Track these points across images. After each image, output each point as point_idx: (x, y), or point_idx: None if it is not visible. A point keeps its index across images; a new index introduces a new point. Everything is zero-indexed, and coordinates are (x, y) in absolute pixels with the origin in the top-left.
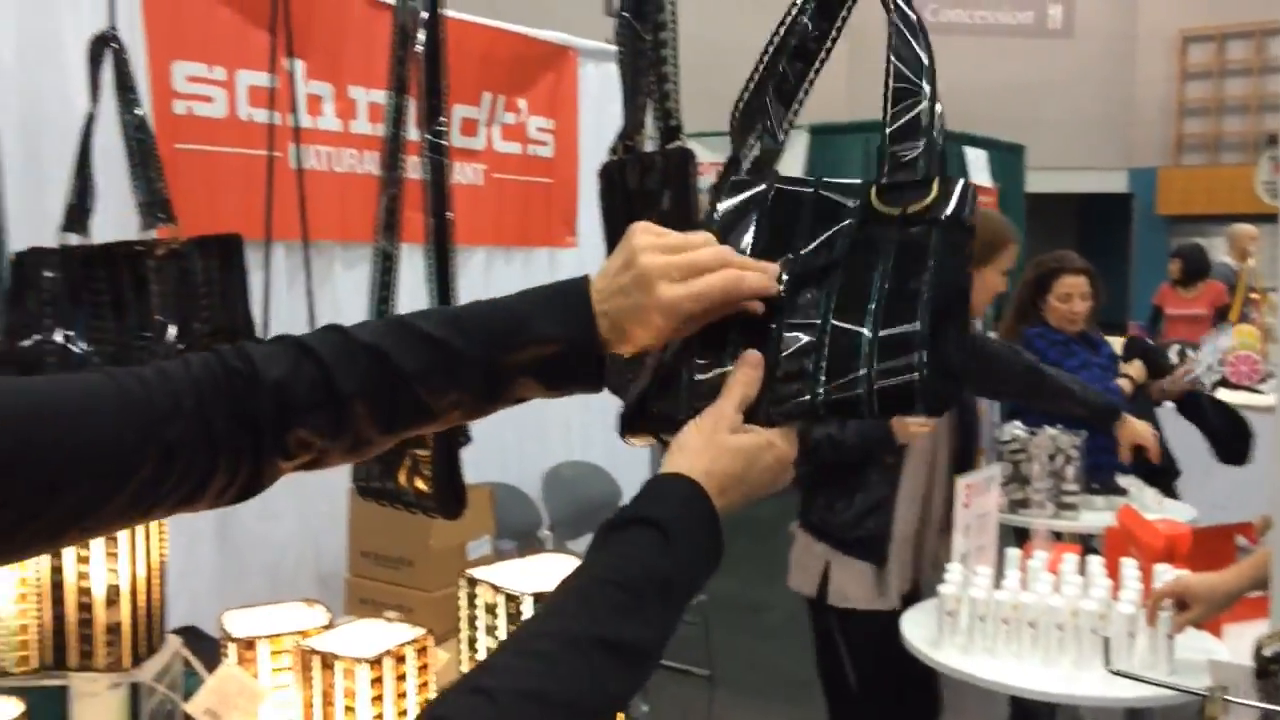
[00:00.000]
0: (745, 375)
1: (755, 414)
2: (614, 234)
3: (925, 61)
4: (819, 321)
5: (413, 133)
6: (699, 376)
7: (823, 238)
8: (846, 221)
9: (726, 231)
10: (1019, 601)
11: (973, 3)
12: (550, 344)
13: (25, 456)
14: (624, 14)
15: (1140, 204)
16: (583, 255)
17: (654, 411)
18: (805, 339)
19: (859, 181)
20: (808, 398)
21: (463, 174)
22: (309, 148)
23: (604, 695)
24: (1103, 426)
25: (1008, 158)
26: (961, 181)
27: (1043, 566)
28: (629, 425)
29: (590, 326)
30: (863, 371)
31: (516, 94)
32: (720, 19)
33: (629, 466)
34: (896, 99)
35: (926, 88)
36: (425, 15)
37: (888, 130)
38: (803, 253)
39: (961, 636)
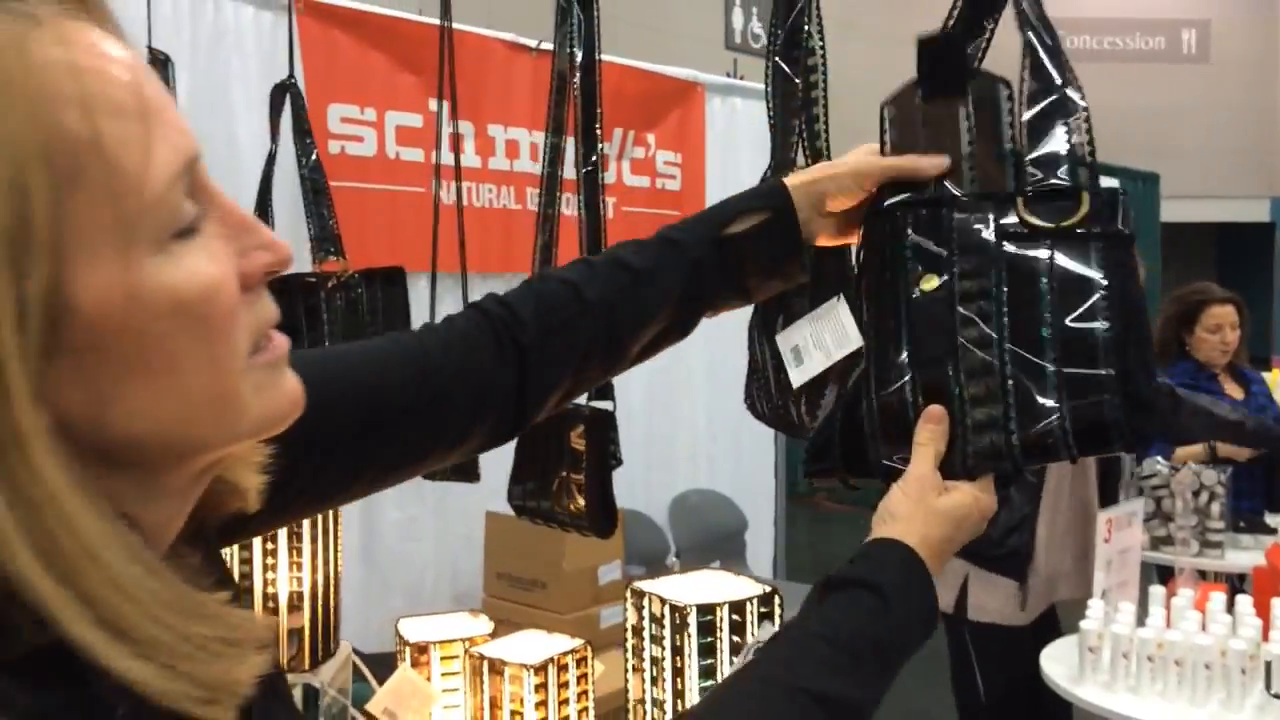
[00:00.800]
0: (930, 433)
1: (952, 466)
2: None
3: (1063, 76)
4: (995, 362)
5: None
6: (881, 393)
7: (974, 261)
8: (997, 242)
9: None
10: (1164, 639)
11: (1102, 28)
12: (755, 214)
13: (329, 415)
14: (775, 58)
15: None
16: None
17: (842, 453)
18: (988, 385)
19: (990, 194)
20: (1003, 446)
21: (579, 215)
22: (451, 184)
23: None
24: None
25: (1142, 186)
26: (1115, 189)
27: (1188, 604)
28: (816, 463)
29: (788, 199)
30: (1054, 418)
31: (645, 129)
32: (851, 54)
33: (754, 495)
34: (1032, 101)
35: (1073, 94)
36: (581, 60)
37: (1026, 138)
38: (957, 277)
39: (1104, 673)
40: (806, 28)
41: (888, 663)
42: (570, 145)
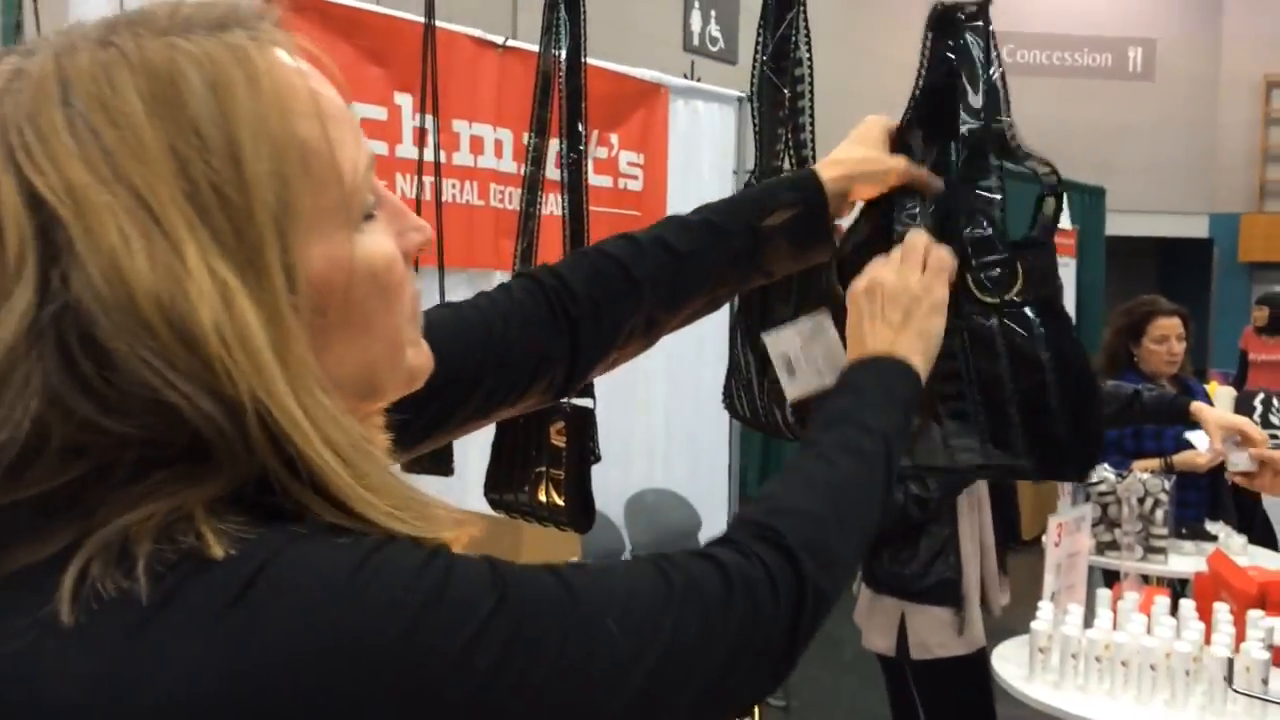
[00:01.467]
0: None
1: (934, 455)
2: None
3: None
4: (969, 408)
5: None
6: None
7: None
8: (958, 320)
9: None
10: (1112, 641)
11: (1052, 44)
12: (791, 208)
13: None
14: (763, 68)
15: (1222, 250)
16: None
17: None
18: (963, 421)
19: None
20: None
21: (557, 205)
22: (411, 178)
23: (869, 485)
24: (1176, 419)
25: (1088, 200)
26: (1042, 249)
27: (1134, 608)
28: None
29: (822, 192)
30: (1020, 458)
31: (609, 129)
32: (831, 65)
33: (709, 496)
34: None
35: (994, 159)
36: (566, 60)
37: (965, 215)
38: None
39: (1053, 673)
40: (794, 38)
41: (894, 407)
42: (547, 144)
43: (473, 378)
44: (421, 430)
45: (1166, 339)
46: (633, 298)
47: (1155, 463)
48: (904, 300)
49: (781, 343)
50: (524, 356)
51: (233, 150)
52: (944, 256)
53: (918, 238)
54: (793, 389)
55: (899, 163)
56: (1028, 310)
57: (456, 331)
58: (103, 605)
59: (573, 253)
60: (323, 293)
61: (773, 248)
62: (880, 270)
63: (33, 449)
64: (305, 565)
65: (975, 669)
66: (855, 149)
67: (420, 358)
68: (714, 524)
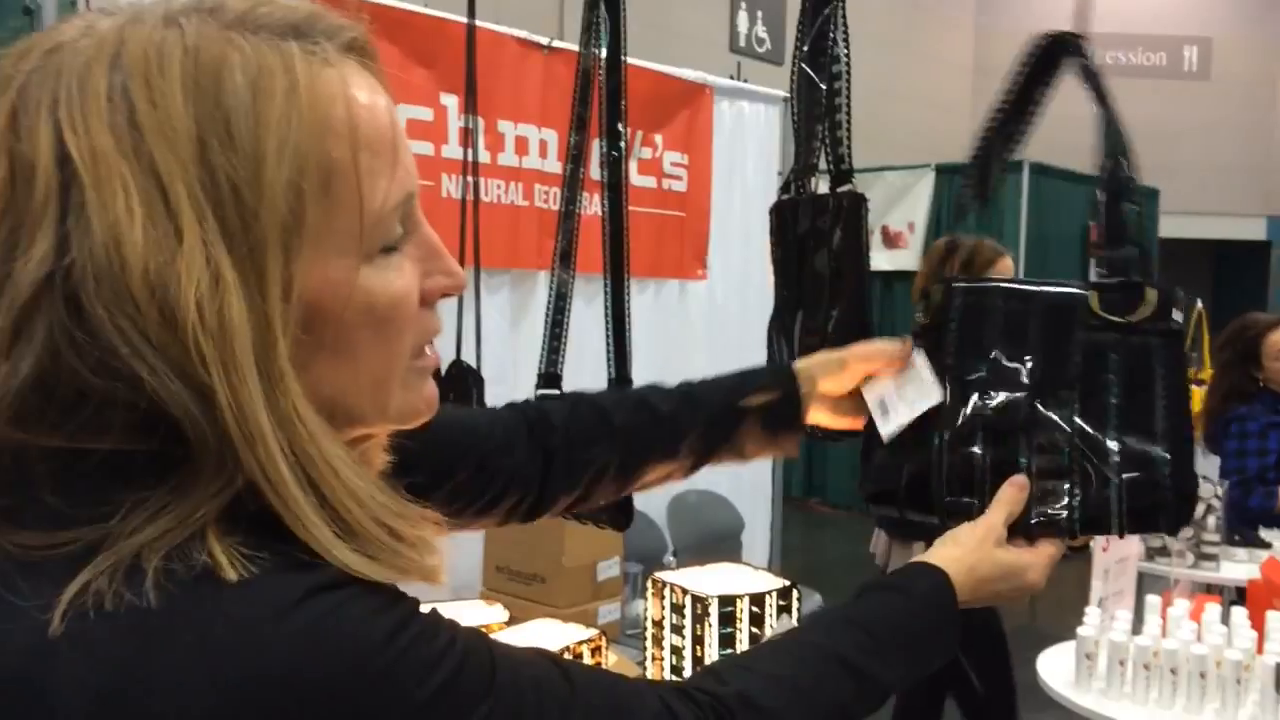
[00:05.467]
0: (1013, 495)
1: (1015, 526)
2: (783, 268)
3: (1128, 155)
4: (1065, 447)
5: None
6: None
7: (1057, 348)
8: (1078, 333)
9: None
10: (1161, 648)
11: (1105, 43)
12: (767, 392)
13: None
14: (801, 64)
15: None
16: (713, 287)
17: (907, 495)
18: (1058, 460)
19: (1062, 286)
20: (1064, 515)
21: (599, 205)
22: (456, 178)
23: (838, 703)
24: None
25: (1141, 201)
26: (1174, 290)
27: (1184, 615)
28: (880, 504)
29: (794, 381)
30: (1113, 496)
31: (653, 130)
32: (878, 66)
33: (751, 497)
34: (1109, 196)
35: (1132, 183)
36: (606, 58)
37: (1101, 232)
38: (1040, 365)
39: (1100, 680)
40: (832, 35)
41: (908, 653)
42: (589, 143)
43: (449, 465)
44: None
45: None
46: (607, 444)
47: None
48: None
49: (877, 389)
50: (499, 468)
51: (256, 151)
52: (1039, 583)
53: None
54: (886, 428)
55: (856, 349)
56: (1152, 337)
57: (449, 417)
58: (113, 618)
59: (559, 397)
60: (314, 313)
61: (747, 429)
62: (982, 568)
63: (41, 399)
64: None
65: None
66: (833, 352)
67: (415, 399)
68: (756, 524)
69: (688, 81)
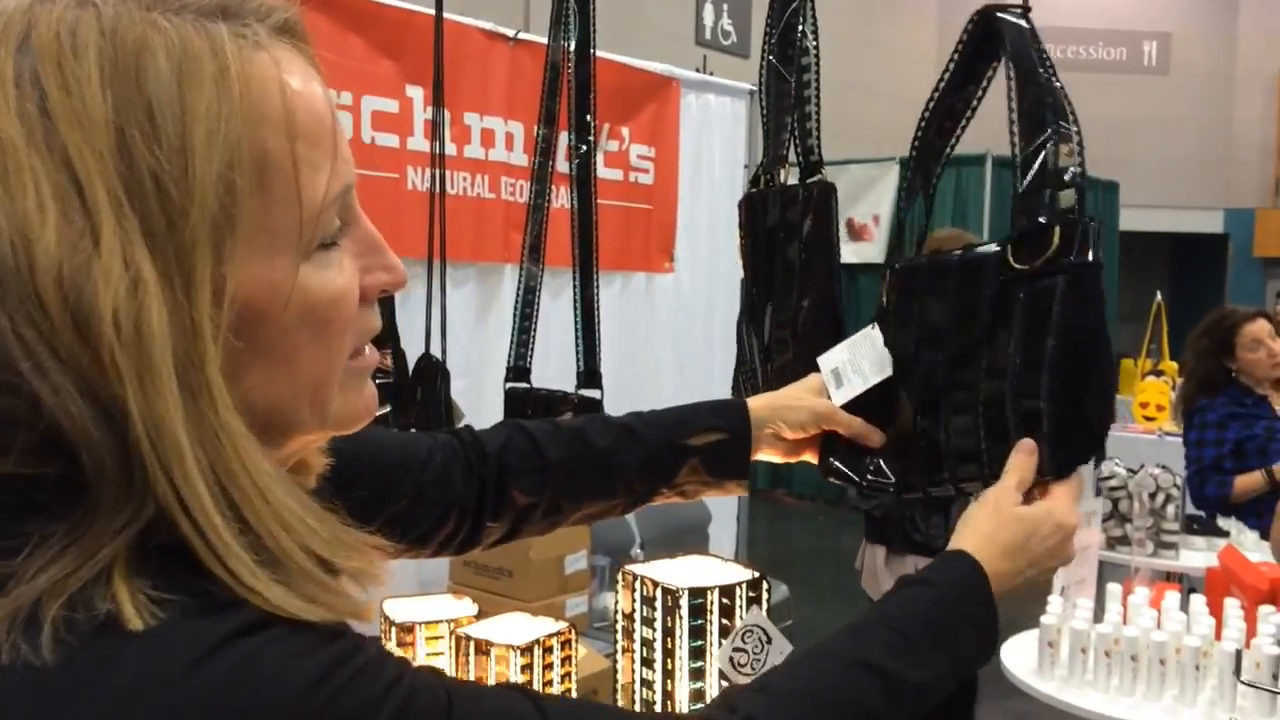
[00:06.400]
0: (1022, 461)
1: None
2: (754, 261)
3: (1051, 100)
4: (978, 406)
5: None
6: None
7: (971, 308)
8: (987, 289)
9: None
10: (1122, 635)
11: (1066, 38)
12: (714, 432)
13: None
14: (769, 58)
15: (1237, 245)
16: (679, 280)
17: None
18: (970, 420)
19: (994, 243)
20: (980, 474)
21: (567, 199)
22: (425, 170)
23: (863, 709)
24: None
25: (1101, 194)
26: (1082, 223)
27: (1144, 602)
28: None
29: (746, 421)
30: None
31: (620, 122)
32: (843, 60)
33: None
34: (1023, 145)
35: (1049, 130)
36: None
37: (1018, 184)
38: (950, 325)
39: (1062, 668)
40: (800, 28)
41: (942, 646)
42: (557, 136)
43: (388, 492)
44: None
45: (1260, 342)
46: (539, 476)
47: (1257, 478)
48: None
49: (831, 360)
50: (438, 496)
51: (184, 144)
52: (1067, 521)
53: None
54: (839, 396)
55: (821, 405)
56: (1058, 275)
57: (388, 442)
58: (7, 673)
59: (499, 423)
60: (249, 316)
61: (689, 468)
62: (1003, 530)
63: None
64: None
65: None
66: (787, 390)
67: (356, 401)
68: (722, 517)
69: (654, 74)
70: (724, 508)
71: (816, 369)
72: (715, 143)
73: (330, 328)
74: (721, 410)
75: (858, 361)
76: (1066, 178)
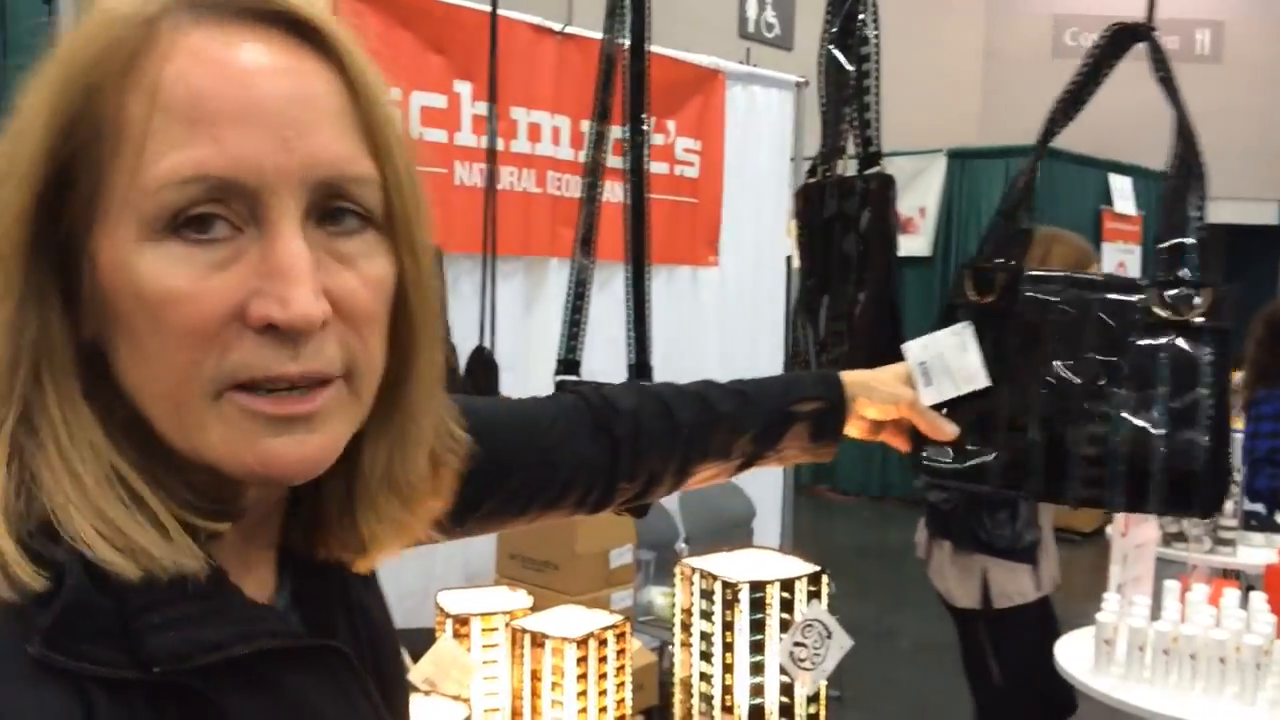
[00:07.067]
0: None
1: (1061, 494)
2: (810, 252)
3: (1194, 149)
4: (1115, 438)
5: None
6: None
7: (1112, 345)
8: (1132, 336)
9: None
10: (1180, 633)
11: None
12: (816, 401)
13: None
14: (829, 46)
15: None
16: (724, 274)
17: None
18: (1105, 448)
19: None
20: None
21: (613, 193)
22: (473, 165)
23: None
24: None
25: (1153, 185)
26: (1225, 289)
27: (1203, 600)
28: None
29: (843, 392)
30: (1155, 473)
31: (665, 116)
32: (885, 52)
33: (762, 484)
34: (1172, 192)
35: (1195, 182)
36: (629, 45)
37: (1162, 234)
38: (1099, 358)
39: (1119, 666)
40: (861, 16)
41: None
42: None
43: (508, 464)
44: (456, 515)
45: None
46: (671, 437)
47: None
48: None
49: (918, 353)
50: (563, 459)
51: (43, 83)
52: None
53: None
54: (927, 396)
55: (906, 396)
56: (1204, 334)
57: (506, 414)
58: None
59: (621, 383)
60: (100, 282)
61: (793, 434)
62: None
63: None
64: None
65: (1047, 608)
66: (878, 372)
67: (242, 450)
68: (767, 511)
69: (700, 67)
70: (768, 503)
71: (873, 364)
72: (761, 135)
73: (164, 328)
74: (821, 381)
75: (947, 363)
76: (1198, 229)
